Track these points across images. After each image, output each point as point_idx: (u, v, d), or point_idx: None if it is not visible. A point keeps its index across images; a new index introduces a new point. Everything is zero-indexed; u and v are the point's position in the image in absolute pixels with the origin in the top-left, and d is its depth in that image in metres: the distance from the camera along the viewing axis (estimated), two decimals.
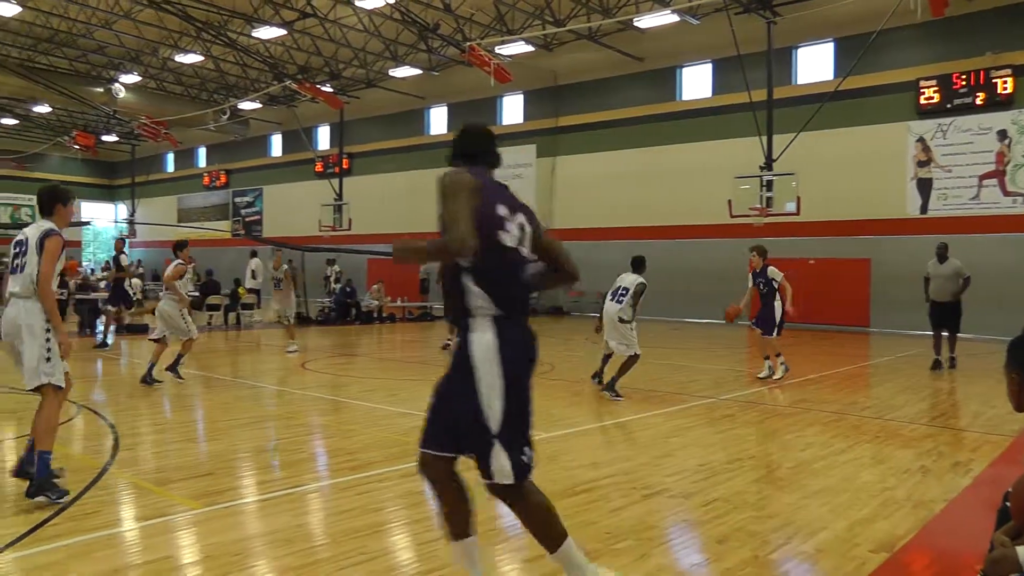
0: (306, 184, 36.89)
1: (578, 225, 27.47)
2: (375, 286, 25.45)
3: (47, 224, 5.86)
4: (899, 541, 4.89)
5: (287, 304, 16.07)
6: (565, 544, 3.55)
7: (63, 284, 19.25)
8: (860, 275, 22.35)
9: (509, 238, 3.52)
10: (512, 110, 30.77)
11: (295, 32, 27.41)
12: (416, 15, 24.53)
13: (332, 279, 27.10)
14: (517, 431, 3.46)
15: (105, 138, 42.22)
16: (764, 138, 21.48)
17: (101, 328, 17.96)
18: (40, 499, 5.40)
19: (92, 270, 35.81)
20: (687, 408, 9.60)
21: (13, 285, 5.73)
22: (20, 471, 5.69)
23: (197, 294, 22.17)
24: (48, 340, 5.68)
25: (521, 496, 3.52)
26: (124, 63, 33.14)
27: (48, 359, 5.66)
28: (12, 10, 25.78)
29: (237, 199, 41.74)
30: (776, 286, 11.96)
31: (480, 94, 29.58)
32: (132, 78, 33.52)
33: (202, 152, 44.81)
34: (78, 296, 19.78)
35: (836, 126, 22.25)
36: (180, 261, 11.15)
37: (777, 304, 11.97)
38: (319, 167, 36.23)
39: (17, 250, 5.76)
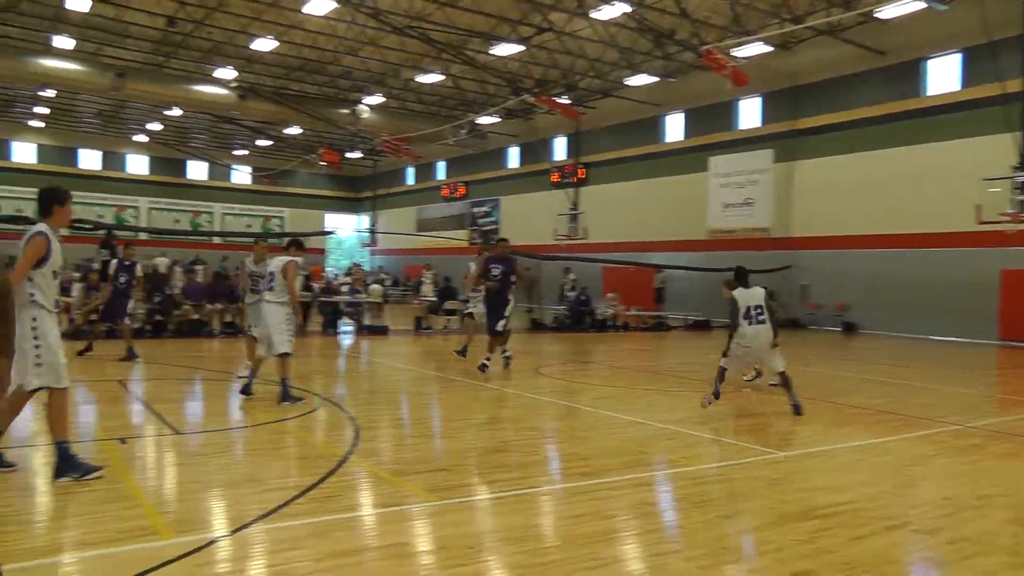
0: (542, 194, 37.64)
1: (817, 233, 26.26)
2: (610, 295, 25.59)
3: (37, 226, 5.95)
4: None
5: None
6: None
7: (308, 288, 20.86)
8: None
9: None
10: (749, 114, 29.74)
11: (532, 47, 28.04)
12: (651, 22, 24.38)
13: (568, 287, 27.52)
14: None
15: (349, 155, 45.17)
16: (1019, 134, 19.42)
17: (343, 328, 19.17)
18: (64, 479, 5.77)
19: (335, 275, 38.47)
20: (930, 435, 8.74)
21: None
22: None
23: (436, 299, 23.24)
24: (37, 341, 5.76)
25: None
26: (368, 85, 35.31)
27: (38, 363, 5.76)
28: (270, 45, 28.44)
29: (475, 209, 43.36)
30: None
31: (716, 99, 28.97)
32: (375, 99, 35.65)
33: (441, 165, 46.92)
34: (322, 299, 21.26)
35: None
36: (291, 258, 10.01)
37: None
38: (555, 177, 36.84)
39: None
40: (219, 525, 5.16)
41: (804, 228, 26.69)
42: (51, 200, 6.07)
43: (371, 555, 4.54)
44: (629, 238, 31.59)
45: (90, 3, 25.38)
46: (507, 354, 13.18)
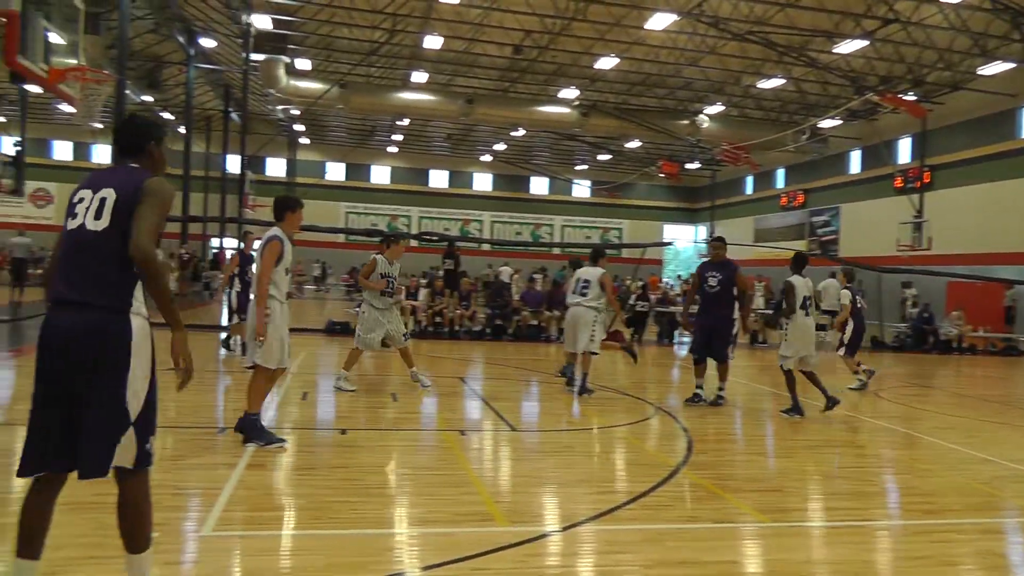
0: (884, 201, 34.87)
1: None
2: (955, 313, 23.06)
3: (272, 230, 6.85)
4: None
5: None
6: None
7: (644, 298, 21.05)
8: None
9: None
10: None
11: (876, 41, 26.23)
12: (1008, 0, 21.71)
13: (908, 303, 25.19)
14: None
15: (688, 166, 45.09)
16: None
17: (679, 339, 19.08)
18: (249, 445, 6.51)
19: (672, 286, 38.49)
20: None
21: None
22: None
23: (771, 312, 22.40)
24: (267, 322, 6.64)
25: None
26: (708, 95, 35.08)
27: (260, 344, 6.66)
28: (611, 62, 29.16)
29: (814, 218, 41.27)
30: None
31: None
32: (715, 108, 35.32)
33: (780, 173, 45.24)
34: (658, 309, 21.32)
35: None
36: (603, 270, 10.52)
37: None
38: (898, 182, 33.97)
39: None
40: (551, 520, 5.30)
41: None
42: (284, 207, 6.98)
43: (699, 569, 4.41)
44: (977, 249, 28.20)
45: (442, 40, 27.87)
46: (722, 392, 10.57)
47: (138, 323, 3.29)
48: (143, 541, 3.35)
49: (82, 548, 4.14)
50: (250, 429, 6.65)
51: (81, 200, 3.33)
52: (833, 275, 23.88)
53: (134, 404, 3.26)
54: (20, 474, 3.23)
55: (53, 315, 3.27)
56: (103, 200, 3.27)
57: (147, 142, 3.55)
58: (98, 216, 3.26)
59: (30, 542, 3.25)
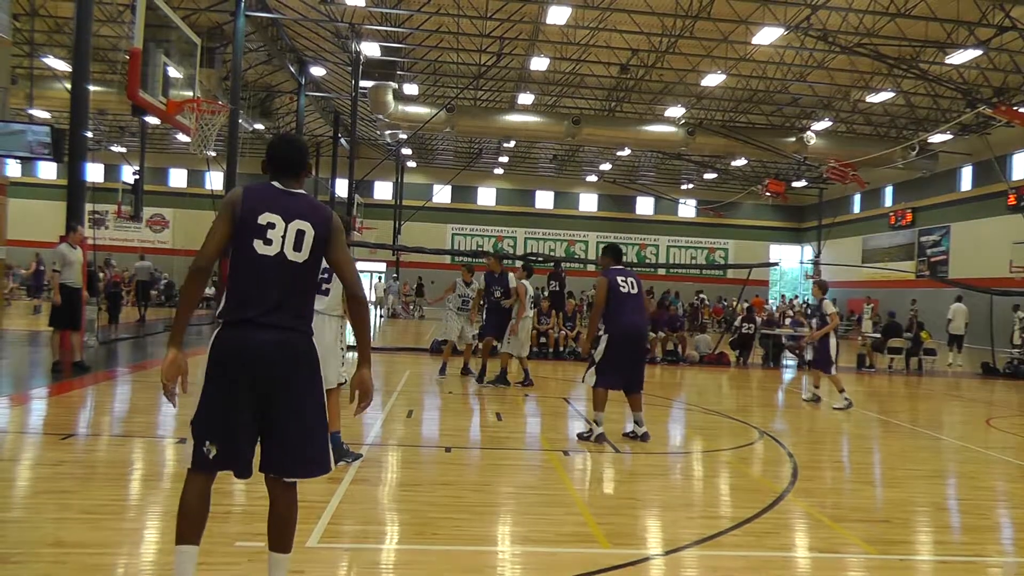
0: (996, 219, 33.20)
1: None
2: None
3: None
4: None
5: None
6: None
7: (750, 319, 20.65)
8: None
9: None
10: None
11: (991, 51, 25.13)
12: None
13: (1019, 328, 23.83)
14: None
15: (794, 184, 44.05)
16: None
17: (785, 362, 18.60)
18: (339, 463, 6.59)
19: (775, 307, 37.63)
20: None
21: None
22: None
23: (879, 335, 21.66)
24: (341, 345, 6.86)
25: None
26: (816, 111, 34.27)
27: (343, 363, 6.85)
28: (718, 80, 28.87)
29: (923, 238, 39.66)
30: None
31: None
32: (822, 124, 34.45)
33: (888, 191, 43.71)
34: (763, 331, 20.88)
35: None
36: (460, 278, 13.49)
37: None
38: (1011, 200, 32.25)
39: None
40: (654, 543, 5.27)
41: None
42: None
43: None
44: None
45: (548, 61, 28.11)
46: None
47: (314, 343, 3.63)
48: (291, 542, 3.63)
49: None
50: (334, 447, 6.79)
51: (272, 226, 3.50)
52: (959, 299, 23.10)
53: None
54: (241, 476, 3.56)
55: (248, 333, 3.44)
56: (300, 232, 3.52)
57: (307, 162, 3.74)
58: (297, 248, 3.51)
59: (196, 528, 3.50)
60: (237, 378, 3.40)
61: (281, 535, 3.59)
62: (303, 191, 3.67)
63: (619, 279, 8.62)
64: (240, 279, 3.48)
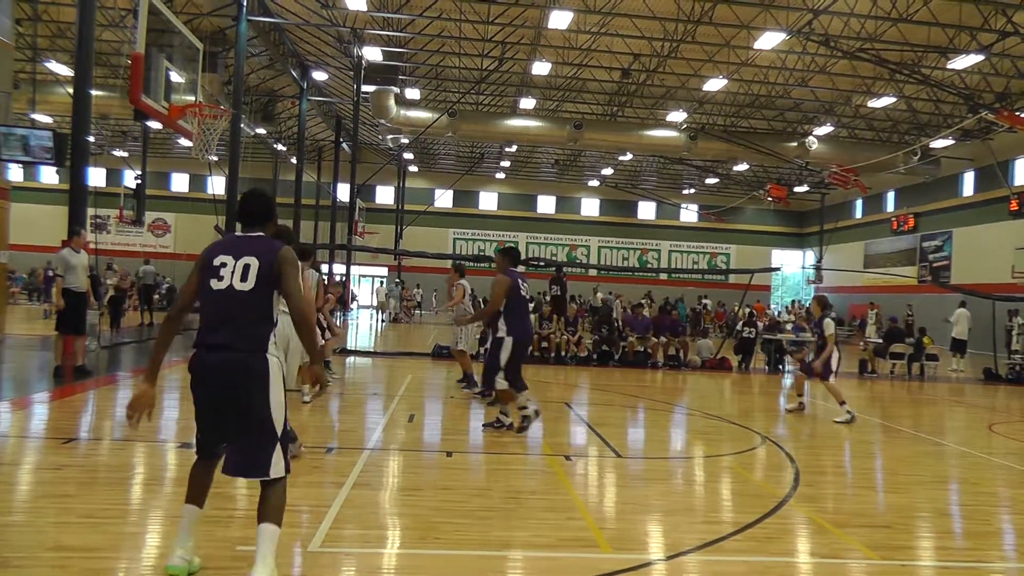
0: (998, 225, 33.19)
1: None
2: None
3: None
4: None
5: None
6: None
7: (751, 324, 20.63)
8: None
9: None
10: None
11: (993, 56, 25.15)
12: None
13: (1016, 332, 23.77)
14: None
15: (796, 189, 44.04)
16: None
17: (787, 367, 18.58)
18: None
19: (779, 312, 37.59)
20: None
21: None
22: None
23: (880, 340, 21.61)
24: None
25: None
26: (817, 116, 34.27)
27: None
28: (719, 84, 28.93)
29: (925, 243, 39.62)
30: None
31: None
32: (824, 129, 34.48)
33: (890, 196, 43.70)
34: (766, 336, 20.85)
35: None
36: (463, 283, 12.78)
37: None
38: (1013, 205, 32.20)
39: None
40: (655, 548, 5.26)
41: None
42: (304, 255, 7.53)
43: None
44: None
45: (550, 66, 28.15)
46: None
47: (273, 362, 4.00)
48: (277, 517, 3.99)
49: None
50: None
51: (224, 264, 3.96)
52: (963, 304, 23.01)
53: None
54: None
55: (204, 356, 3.92)
56: (247, 266, 3.95)
57: (271, 213, 4.26)
58: (244, 279, 3.93)
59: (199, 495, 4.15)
60: (199, 393, 3.96)
61: (262, 508, 3.96)
62: (262, 234, 4.16)
63: (520, 281, 8.89)
64: (202, 311, 3.99)
